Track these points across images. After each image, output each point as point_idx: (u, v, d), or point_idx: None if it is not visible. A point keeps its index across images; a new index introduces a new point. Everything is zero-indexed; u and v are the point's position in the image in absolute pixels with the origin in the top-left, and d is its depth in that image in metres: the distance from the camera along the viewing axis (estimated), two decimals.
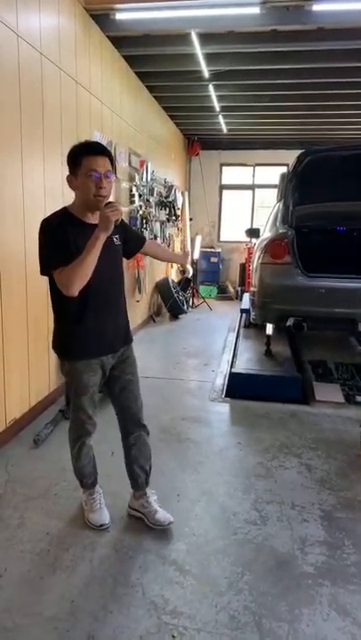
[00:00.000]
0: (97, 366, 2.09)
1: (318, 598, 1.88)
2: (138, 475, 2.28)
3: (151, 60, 5.20)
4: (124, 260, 2.22)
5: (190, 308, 8.06)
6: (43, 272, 1.94)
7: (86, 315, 2.01)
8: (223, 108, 6.95)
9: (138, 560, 2.07)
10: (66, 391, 2.28)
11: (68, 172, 1.95)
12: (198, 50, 4.63)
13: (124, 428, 2.26)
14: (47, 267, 1.90)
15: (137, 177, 5.68)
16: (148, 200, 6.09)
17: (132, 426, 2.23)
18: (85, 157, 1.88)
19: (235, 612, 1.80)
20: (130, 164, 5.39)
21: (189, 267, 2.98)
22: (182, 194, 8.71)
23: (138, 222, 5.76)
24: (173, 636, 1.69)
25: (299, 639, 1.69)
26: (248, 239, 6.83)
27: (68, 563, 2.04)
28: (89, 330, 2.03)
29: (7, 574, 1.97)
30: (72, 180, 1.94)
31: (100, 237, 1.83)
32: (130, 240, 2.22)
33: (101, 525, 2.26)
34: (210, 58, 4.96)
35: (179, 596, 1.87)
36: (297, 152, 4.54)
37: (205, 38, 4.51)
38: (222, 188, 10.03)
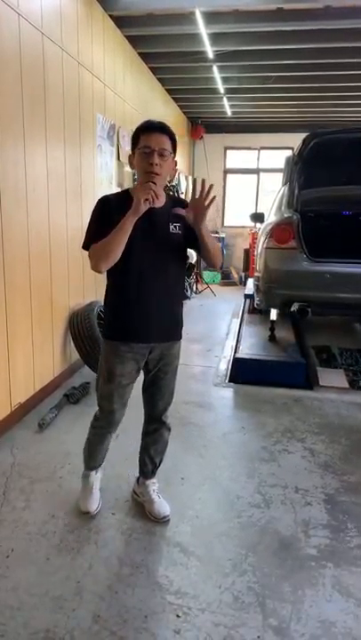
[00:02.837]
0: (127, 354, 2.01)
1: (321, 580, 1.90)
2: (145, 463, 2.29)
3: (155, 40, 5.11)
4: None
5: (194, 294, 8.04)
6: (83, 246, 1.94)
7: (121, 297, 1.98)
8: (228, 90, 6.84)
9: (142, 542, 2.09)
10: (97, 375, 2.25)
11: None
12: (203, 29, 4.54)
13: (146, 417, 2.26)
14: (85, 242, 1.92)
15: None
16: None
17: (151, 419, 2.23)
18: (142, 134, 1.85)
19: (239, 592, 1.82)
20: None
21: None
22: (186, 178, 8.63)
23: None
24: (178, 616, 1.71)
25: (302, 620, 1.71)
26: (252, 224, 6.76)
27: (73, 544, 2.06)
28: (120, 312, 2.00)
29: (14, 555, 1.99)
30: (131, 159, 1.92)
31: (129, 219, 1.79)
32: (190, 229, 1.99)
33: (86, 513, 2.22)
34: (214, 38, 4.87)
35: (183, 576, 1.89)
36: (302, 135, 4.46)
37: (210, 17, 4.41)
38: (227, 171, 9.92)
